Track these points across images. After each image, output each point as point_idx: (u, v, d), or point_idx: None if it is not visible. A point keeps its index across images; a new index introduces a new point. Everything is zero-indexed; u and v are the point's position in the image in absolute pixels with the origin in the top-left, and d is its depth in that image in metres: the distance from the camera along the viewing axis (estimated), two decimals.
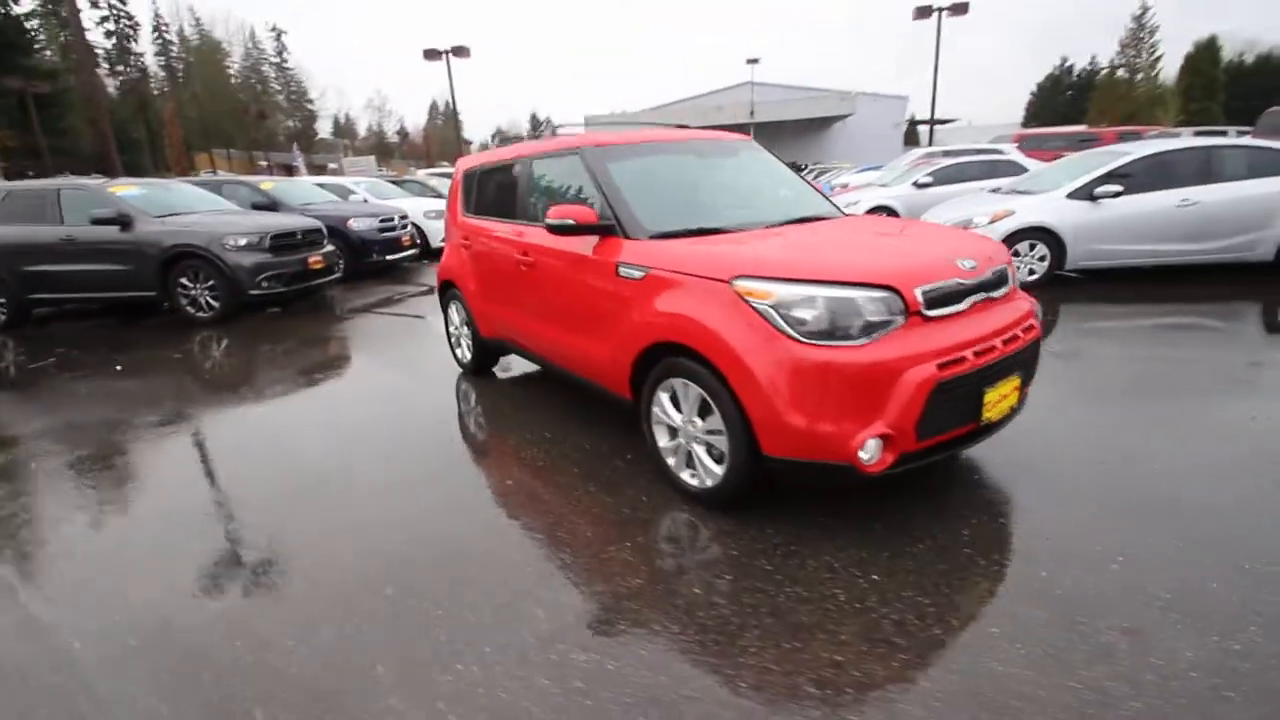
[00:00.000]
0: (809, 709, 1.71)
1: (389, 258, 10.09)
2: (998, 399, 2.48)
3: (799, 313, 2.27)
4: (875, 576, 2.24)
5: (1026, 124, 56.77)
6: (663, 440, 2.89)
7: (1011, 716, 1.65)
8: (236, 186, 10.24)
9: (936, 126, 45.90)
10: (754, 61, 34.32)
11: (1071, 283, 6.66)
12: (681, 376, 2.66)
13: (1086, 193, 6.37)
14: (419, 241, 10.88)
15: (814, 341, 2.25)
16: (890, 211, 10.82)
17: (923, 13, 20.80)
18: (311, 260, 7.74)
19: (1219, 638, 1.87)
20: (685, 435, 2.74)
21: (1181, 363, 4.35)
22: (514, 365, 4.89)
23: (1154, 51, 49.55)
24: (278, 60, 59.18)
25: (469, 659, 1.95)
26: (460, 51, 23.96)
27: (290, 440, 3.79)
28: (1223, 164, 6.28)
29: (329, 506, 2.95)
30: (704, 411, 2.62)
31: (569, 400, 4.10)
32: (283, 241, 7.50)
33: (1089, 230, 6.37)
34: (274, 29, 57.83)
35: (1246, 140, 6.72)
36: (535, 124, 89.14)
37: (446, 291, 4.82)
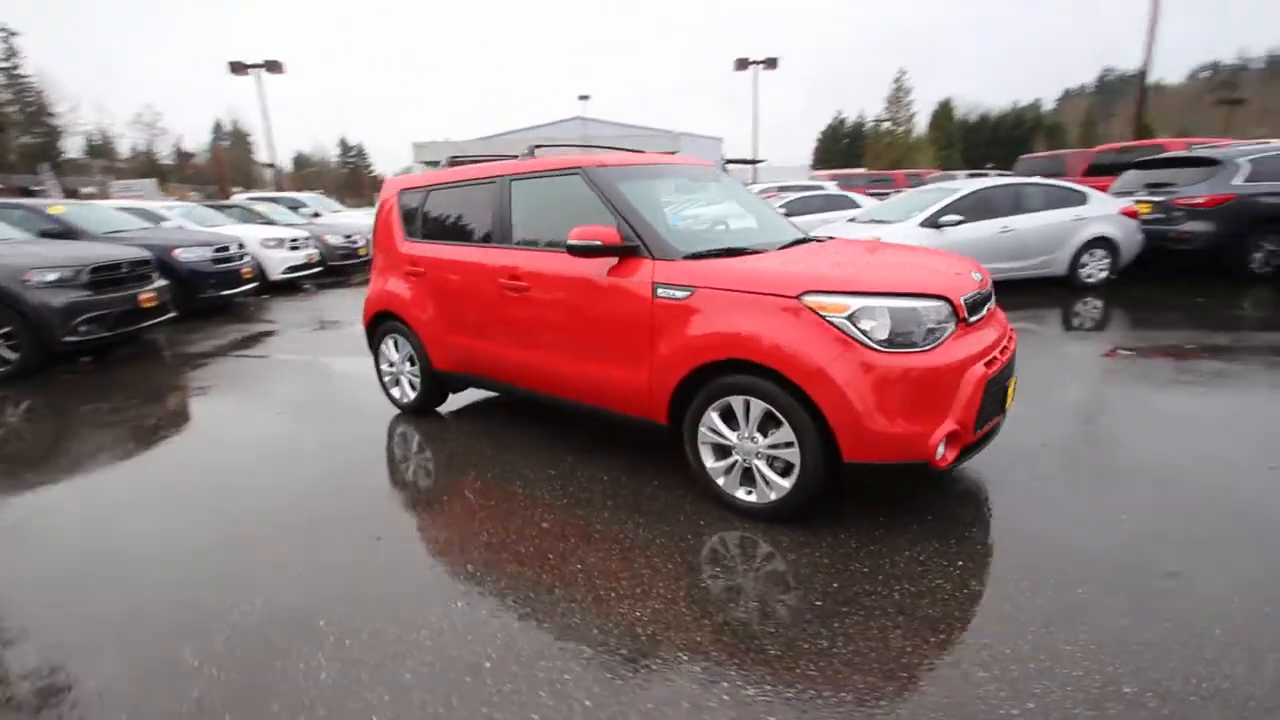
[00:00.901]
0: (998, 692, 1.79)
1: (225, 293, 8.76)
2: (1011, 392, 2.84)
3: (871, 323, 2.41)
4: (961, 563, 2.41)
5: (815, 166, 65.68)
6: (711, 461, 2.85)
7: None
8: (7, 211, 8.16)
9: (745, 165, 50.69)
10: (585, 98, 35.54)
11: None
12: (741, 394, 2.66)
13: (933, 222, 7.50)
14: (258, 274, 9.59)
15: (888, 350, 2.40)
16: None
17: (741, 64, 23.26)
18: (143, 297, 6.46)
19: None
20: (742, 452, 2.73)
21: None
22: (453, 400, 4.48)
23: (910, 108, 60.31)
24: (7, 65, 48.64)
25: None
26: (274, 67, 21.65)
27: (157, 523, 3.07)
28: (1028, 198, 7.80)
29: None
30: (763, 427, 2.65)
31: (544, 430, 3.87)
32: (105, 276, 6.16)
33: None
34: (1, 30, 47.37)
35: (1039, 179, 8.41)
36: (345, 148, 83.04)
37: (379, 325, 4.32)
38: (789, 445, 2.58)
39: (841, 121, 67.39)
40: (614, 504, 2.97)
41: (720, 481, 2.84)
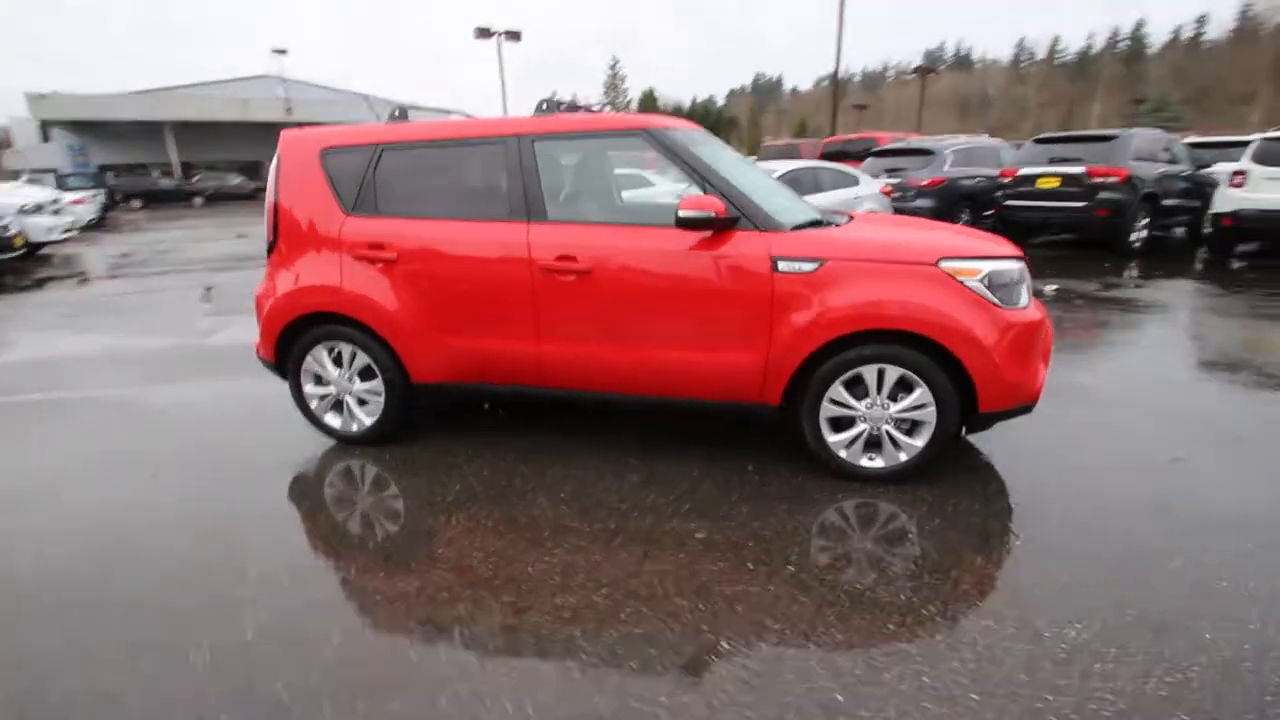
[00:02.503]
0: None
1: None
2: None
3: (997, 284, 2.64)
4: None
5: None
6: (831, 435, 2.83)
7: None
8: None
9: None
10: (281, 52, 30.16)
11: None
12: (876, 363, 2.68)
13: None
14: None
15: (1008, 308, 2.66)
16: None
17: (484, 33, 22.14)
18: None
19: None
20: (871, 420, 2.77)
21: None
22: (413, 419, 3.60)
23: (626, 95, 64.78)
24: None
25: None
26: None
27: None
28: (823, 180, 9.09)
29: None
30: (892, 392, 2.72)
31: (572, 439, 3.37)
32: None
33: None
34: None
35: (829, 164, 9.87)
36: None
37: (302, 333, 3.22)
38: (921, 407, 2.70)
39: (558, 104, 69.01)
40: (736, 498, 2.76)
41: (843, 454, 2.83)
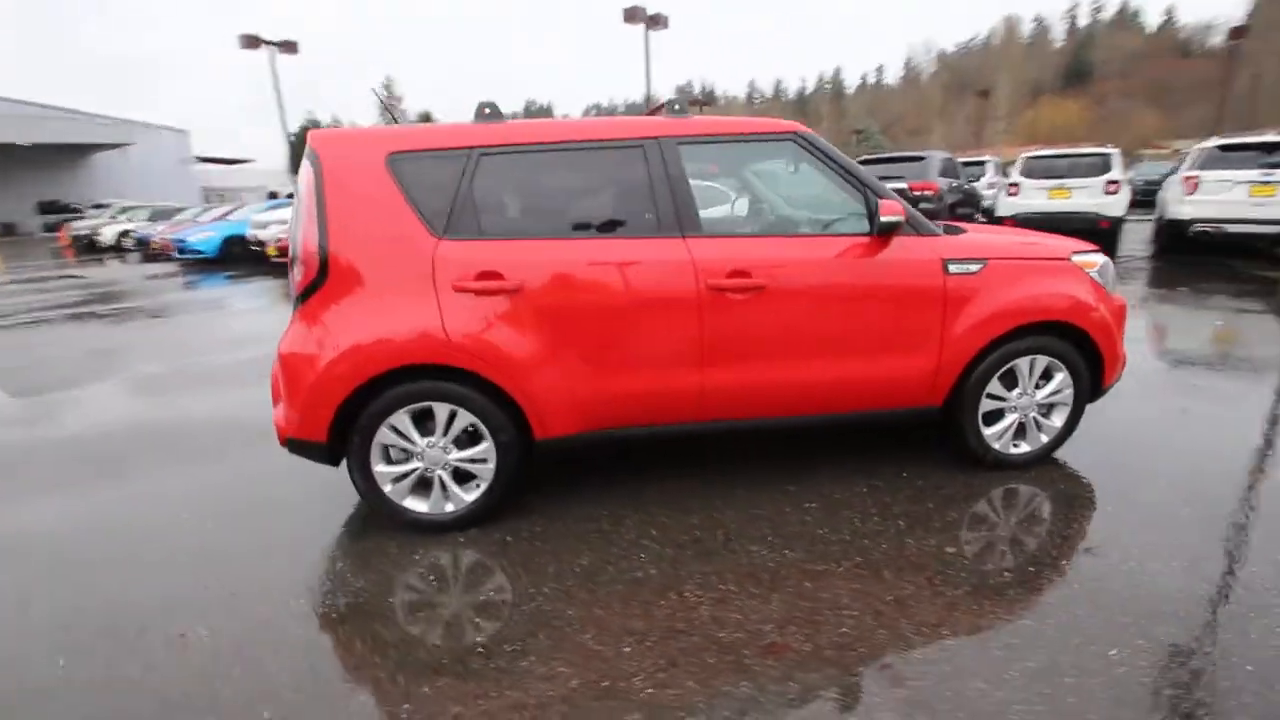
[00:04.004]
0: None
1: None
2: None
3: (1106, 274, 2.96)
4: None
5: (294, 170, 60.16)
6: (986, 429, 2.91)
7: None
8: None
9: (227, 166, 42.49)
10: None
11: None
12: (1029, 354, 2.83)
13: None
14: None
15: (1113, 293, 3.01)
16: None
17: (253, 42, 19.03)
18: None
19: None
20: (1021, 409, 2.91)
21: None
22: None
23: (406, 116, 61.06)
24: None
25: None
26: None
27: None
28: None
29: None
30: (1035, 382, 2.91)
31: (689, 477, 3.02)
32: None
33: None
34: None
35: None
36: None
37: (386, 393, 2.43)
38: (1059, 390, 2.92)
39: (315, 123, 62.68)
40: (986, 502, 2.70)
41: (996, 445, 2.94)
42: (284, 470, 3.02)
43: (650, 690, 1.77)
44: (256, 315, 8.34)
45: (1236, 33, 24.48)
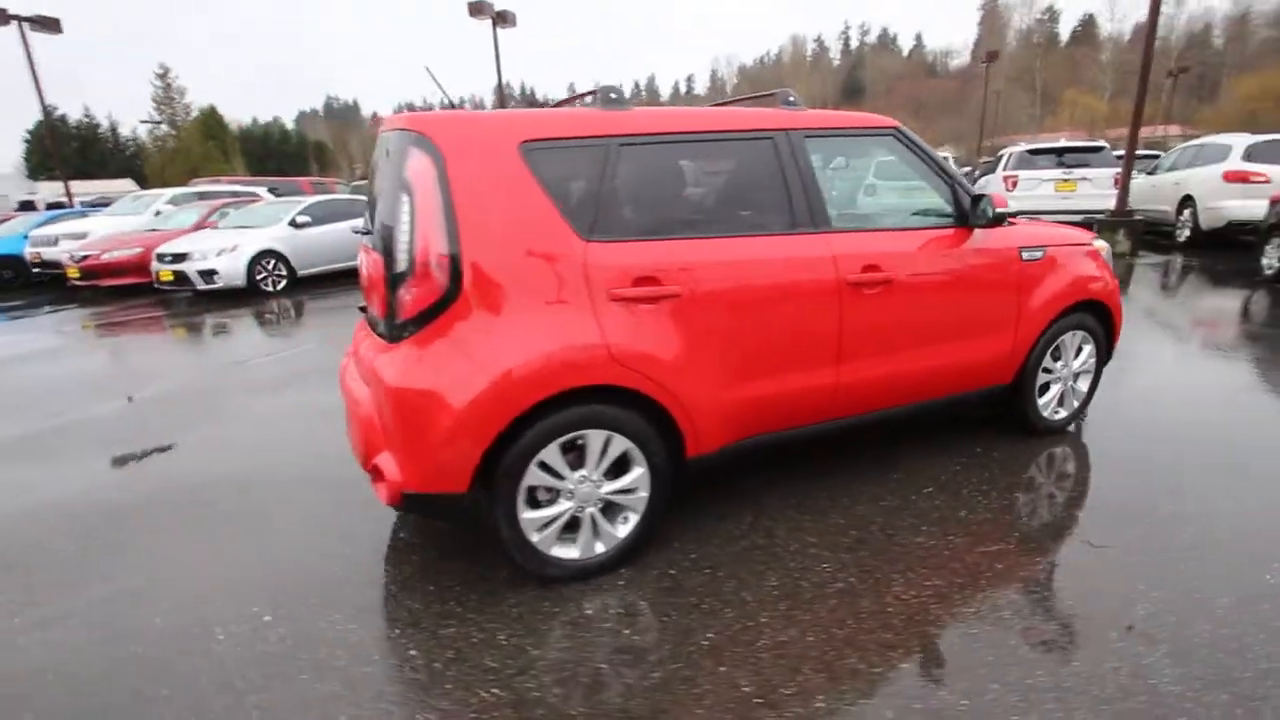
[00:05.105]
0: None
1: None
2: None
3: (1106, 257, 3.42)
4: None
5: (34, 174, 49.29)
6: (1042, 399, 3.22)
7: None
8: None
9: None
10: None
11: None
12: (1072, 330, 3.18)
13: (294, 223, 9.26)
14: None
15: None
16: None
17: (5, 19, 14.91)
18: None
19: None
20: (1063, 380, 3.27)
21: None
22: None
23: (188, 112, 52.56)
24: None
25: None
26: None
27: None
28: (352, 209, 9.99)
29: None
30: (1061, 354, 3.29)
31: (782, 474, 2.98)
32: None
33: (302, 249, 9.30)
34: None
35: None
36: None
37: (536, 424, 2.06)
38: (1088, 360, 3.32)
39: (62, 118, 51.50)
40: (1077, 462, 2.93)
41: (1046, 414, 3.26)
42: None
43: (991, 698, 1.70)
44: (58, 360, 6.63)
45: (990, 56, 29.99)
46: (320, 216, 9.67)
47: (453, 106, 2.52)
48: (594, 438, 2.16)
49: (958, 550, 2.37)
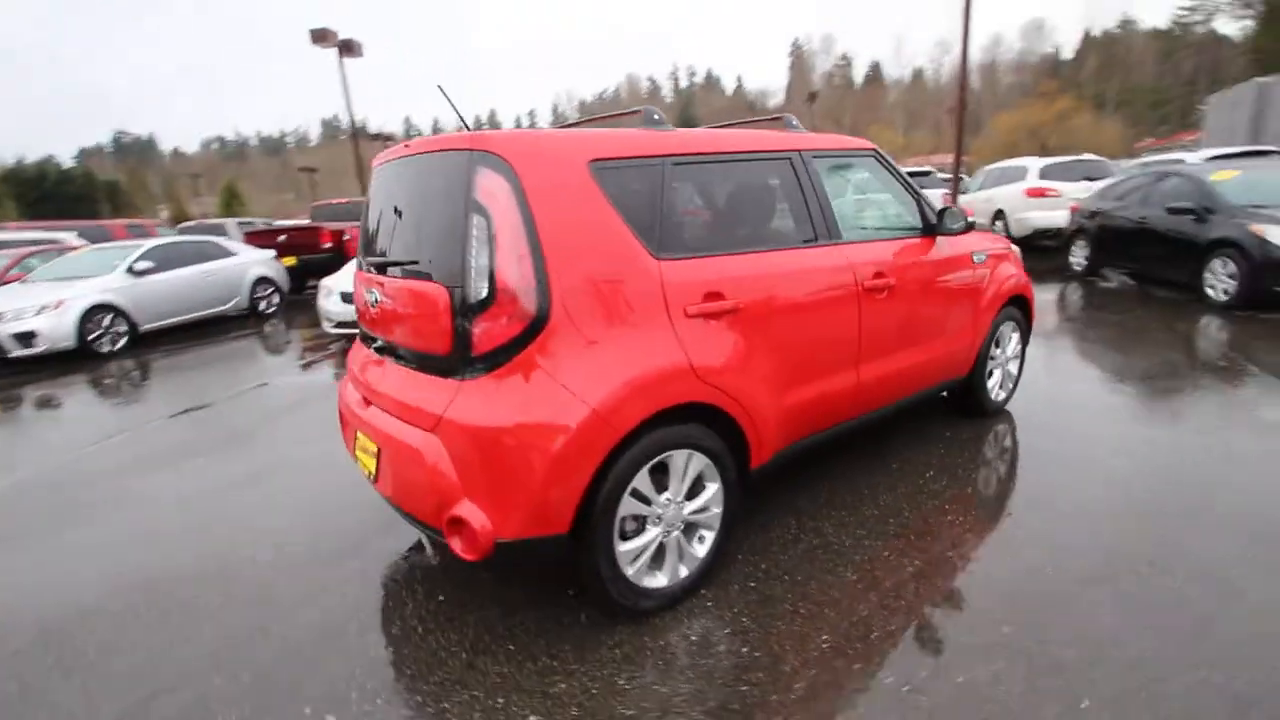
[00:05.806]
0: None
1: None
2: None
3: (1019, 258, 4.00)
4: None
5: None
6: (989, 382, 3.66)
7: None
8: None
9: None
10: None
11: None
12: (1006, 323, 3.66)
13: (132, 270, 8.00)
14: None
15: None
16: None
17: None
18: None
19: None
20: (1003, 363, 3.74)
21: None
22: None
23: None
24: None
25: None
26: None
27: None
28: (200, 251, 9.06)
29: None
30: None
31: (786, 477, 3.13)
32: None
33: (145, 301, 8.00)
34: None
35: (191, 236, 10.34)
36: None
37: (629, 450, 1.98)
38: (1018, 346, 3.84)
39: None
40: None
41: (993, 395, 3.71)
42: None
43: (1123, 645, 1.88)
44: None
45: (811, 96, 34.01)
46: (165, 261, 8.44)
47: (467, 128, 2.39)
48: (678, 457, 2.12)
49: (986, 525, 2.63)
